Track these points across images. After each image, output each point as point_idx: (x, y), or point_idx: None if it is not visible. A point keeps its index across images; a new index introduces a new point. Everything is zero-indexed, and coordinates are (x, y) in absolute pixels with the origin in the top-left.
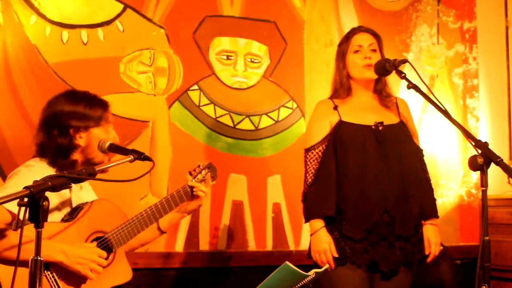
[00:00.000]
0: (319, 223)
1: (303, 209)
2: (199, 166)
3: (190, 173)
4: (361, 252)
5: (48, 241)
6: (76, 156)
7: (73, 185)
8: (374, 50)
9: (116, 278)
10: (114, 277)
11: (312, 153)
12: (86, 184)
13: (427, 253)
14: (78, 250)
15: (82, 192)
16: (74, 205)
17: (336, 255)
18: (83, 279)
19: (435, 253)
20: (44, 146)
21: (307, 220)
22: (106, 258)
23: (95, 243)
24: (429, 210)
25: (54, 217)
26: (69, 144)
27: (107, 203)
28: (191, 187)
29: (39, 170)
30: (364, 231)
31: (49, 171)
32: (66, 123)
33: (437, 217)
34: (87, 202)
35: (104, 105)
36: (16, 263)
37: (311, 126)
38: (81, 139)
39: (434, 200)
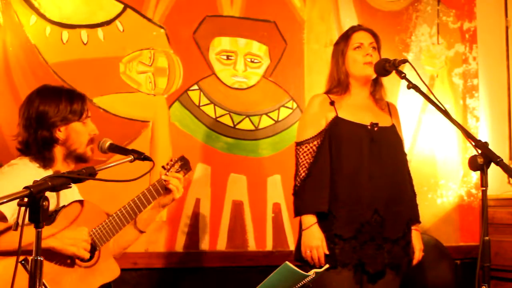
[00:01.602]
0: (312, 219)
1: (294, 203)
2: (171, 160)
3: (164, 167)
4: (350, 252)
5: None
6: (58, 150)
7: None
8: (374, 48)
9: (104, 275)
10: (102, 275)
11: (306, 147)
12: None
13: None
14: (68, 233)
15: (69, 192)
16: (61, 204)
17: (327, 252)
18: (71, 280)
19: (419, 258)
20: (27, 143)
21: (298, 215)
22: (91, 257)
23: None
24: (413, 215)
25: None
26: (50, 139)
27: (86, 203)
28: (165, 181)
29: (22, 167)
30: (354, 230)
31: (32, 167)
32: (47, 119)
33: (419, 222)
34: (64, 206)
35: (83, 99)
36: (16, 263)
37: (305, 120)
38: (60, 133)
39: (417, 205)
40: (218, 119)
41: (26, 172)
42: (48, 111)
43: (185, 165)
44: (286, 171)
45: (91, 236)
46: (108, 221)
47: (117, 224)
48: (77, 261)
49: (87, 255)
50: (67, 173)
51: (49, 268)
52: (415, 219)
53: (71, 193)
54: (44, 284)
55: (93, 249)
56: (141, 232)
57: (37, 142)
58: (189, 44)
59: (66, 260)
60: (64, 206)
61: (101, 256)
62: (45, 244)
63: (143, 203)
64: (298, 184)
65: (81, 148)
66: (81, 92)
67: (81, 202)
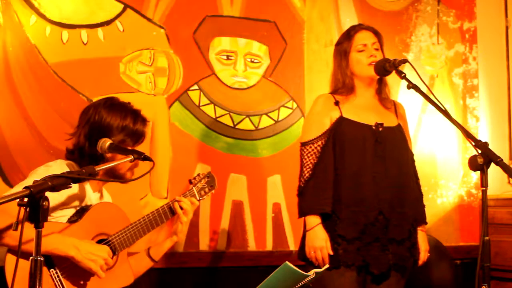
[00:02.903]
0: (316, 219)
1: (299, 204)
2: (199, 175)
3: (190, 181)
4: (354, 252)
5: (60, 235)
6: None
7: (91, 193)
8: (377, 49)
9: (118, 281)
10: (116, 279)
11: (310, 147)
12: (106, 193)
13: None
14: (90, 247)
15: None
16: (88, 203)
17: (332, 253)
18: (86, 280)
19: (424, 259)
20: (81, 150)
21: (302, 215)
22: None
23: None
24: (420, 216)
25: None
26: (99, 156)
27: (111, 206)
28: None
29: (56, 170)
30: (358, 231)
31: None
32: (109, 136)
33: (426, 223)
34: (91, 205)
35: (145, 123)
36: (16, 262)
37: (310, 120)
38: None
39: (424, 206)
40: (218, 119)
41: None
42: (113, 124)
43: (211, 182)
44: (286, 171)
45: (112, 240)
46: (130, 227)
47: (138, 232)
48: None
49: (102, 275)
50: (67, 173)
51: (66, 264)
52: (421, 220)
53: (105, 196)
54: (60, 281)
55: (112, 252)
56: (153, 260)
57: (89, 154)
58: (189, 44)
59: None
60: (91, 205)
61: (118, 261)
62: (65, 252)
63: (166, 213)
64: (302, 185)
65: (122, 170)
66: (145, 116)
67: (108, 204)
